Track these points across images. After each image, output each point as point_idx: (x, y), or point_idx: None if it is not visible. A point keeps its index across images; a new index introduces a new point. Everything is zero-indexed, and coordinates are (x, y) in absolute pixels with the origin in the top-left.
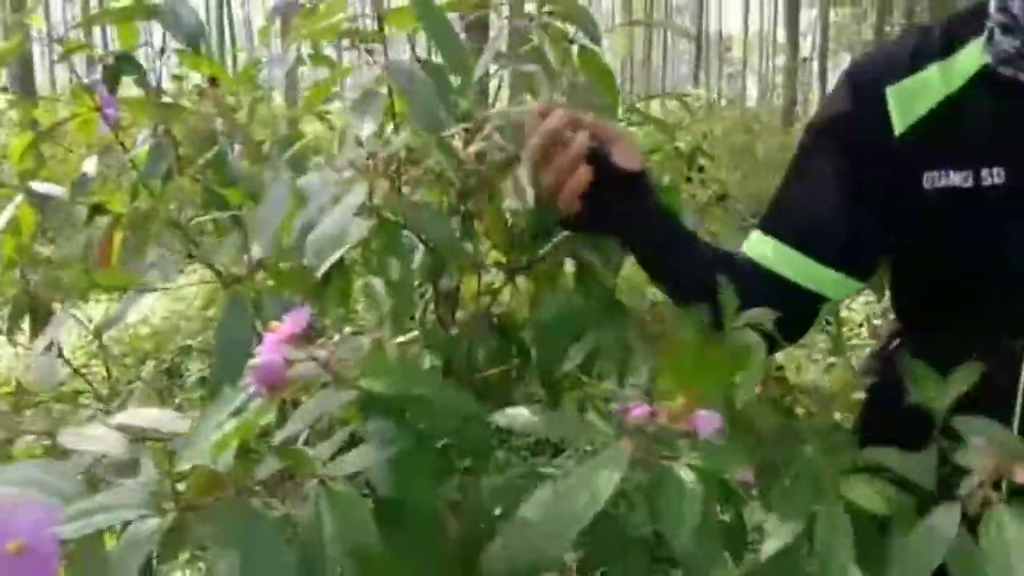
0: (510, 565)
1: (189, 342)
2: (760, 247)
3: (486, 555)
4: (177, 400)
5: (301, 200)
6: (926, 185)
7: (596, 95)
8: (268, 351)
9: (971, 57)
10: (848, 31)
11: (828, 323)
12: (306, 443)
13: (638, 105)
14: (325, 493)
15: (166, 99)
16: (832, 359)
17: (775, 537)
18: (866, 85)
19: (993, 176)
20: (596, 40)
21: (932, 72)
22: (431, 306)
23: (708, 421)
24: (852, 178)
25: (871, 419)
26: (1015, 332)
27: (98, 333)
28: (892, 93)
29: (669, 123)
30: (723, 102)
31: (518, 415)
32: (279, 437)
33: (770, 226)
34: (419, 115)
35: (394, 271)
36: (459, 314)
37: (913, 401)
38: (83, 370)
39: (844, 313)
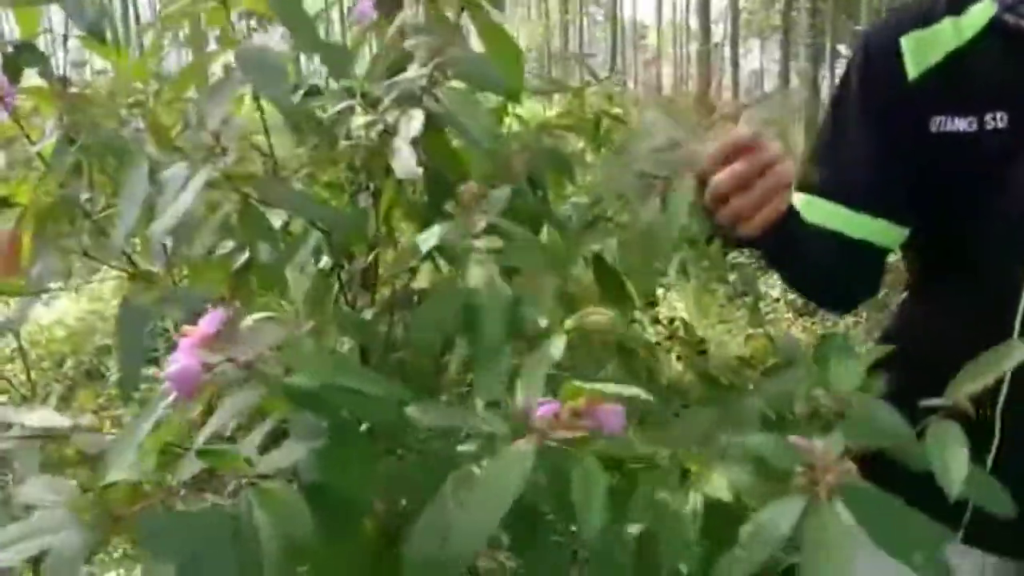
0: (428, 564)
1: (107, 341)
2: (813, 210)
3: (405, 554)
4: (100, 400)
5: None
6: (932, 129)
7: (499, 67)
8: (184, 356)
9: (982, 10)
10: (758, 17)
11: (745, 296)
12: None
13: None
14: (255, 492)
15: (71, 88)
16: (751, 331)
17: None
18: (882, 37)
19: (996, 121)
20: (499, 7)
21: (945, 24)
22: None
23: (613, 416)
24: (874, 125)
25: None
26: (1014, 275)
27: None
28: (906, 41)
29: (579, 87)
30: (639, 88)
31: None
32: (202, 436)
33: (814, 187)
34: (268, 96)
35: (263, 253)
36: (379, 294)
37: (919, 348)
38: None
39: (763, 288)
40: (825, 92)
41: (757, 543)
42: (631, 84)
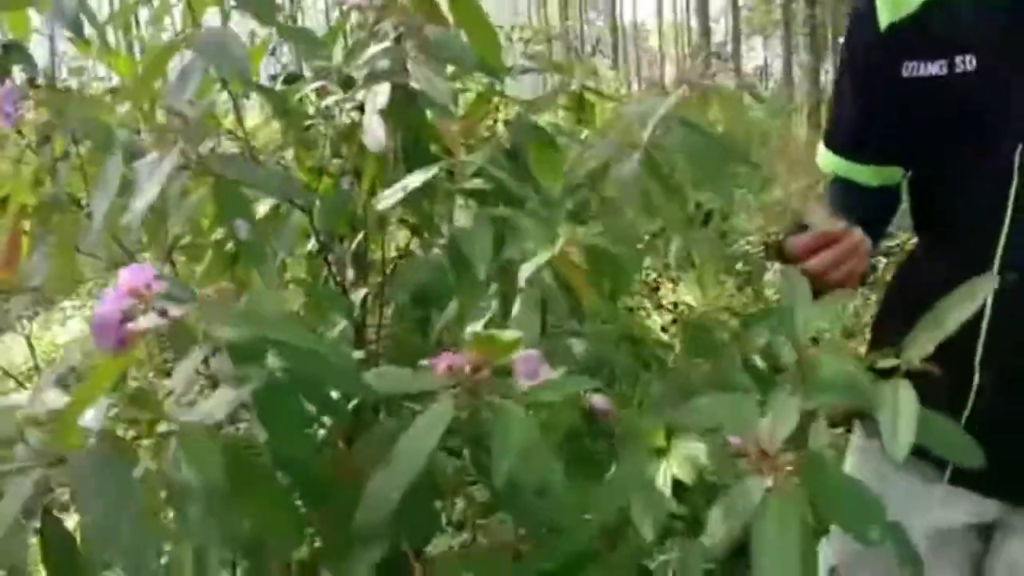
0: (374, 509)
1: None
2: (829, 162)
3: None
4: None
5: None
6: (904, 74)
7: (476, 48)
8: (105, 305)
9: None
10: (758, 13)
11: (748, 275)
12: None
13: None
14: (180, 441)
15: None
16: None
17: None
18: None
19: (966, 64)
20: None
21: None
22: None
23: (528, 363)
24: (859, 81)
25: (887, 309)
26: (994, 224)
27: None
28: None
29: (563, 65)
30: (643, 87)
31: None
32: (163, 392)
33: (826, 140)
34: (223, 74)
35: (243, 232)
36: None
37: (909, 301)
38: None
39: (768, 275)
40: (827, 83)
41: (721, 529)
42: (634, 84)
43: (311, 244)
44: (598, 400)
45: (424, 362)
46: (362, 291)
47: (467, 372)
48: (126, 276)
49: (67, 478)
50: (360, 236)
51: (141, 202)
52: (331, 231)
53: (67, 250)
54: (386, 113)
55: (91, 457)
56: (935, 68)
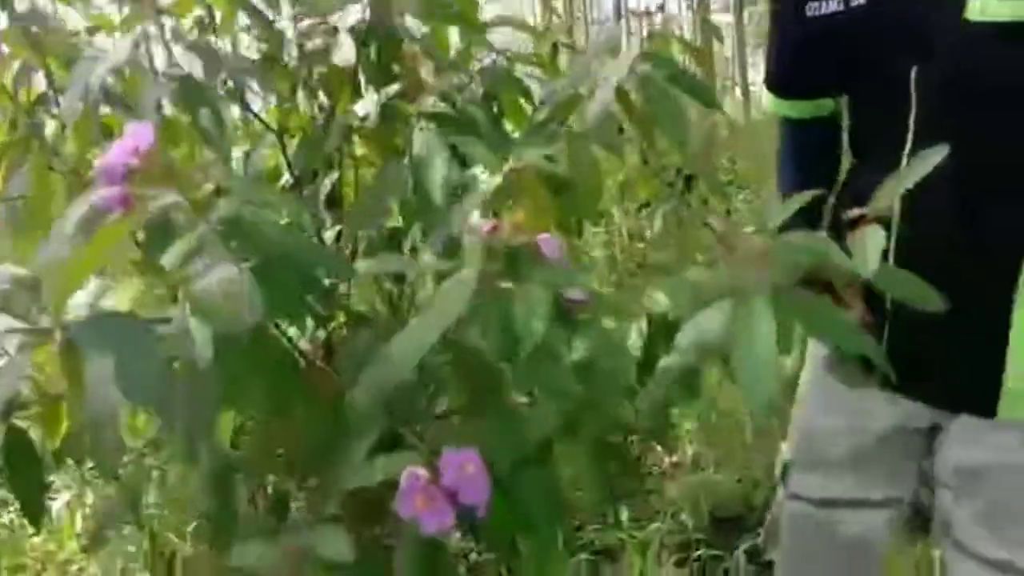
0: (372, 391)
1: None
2: (768, 101)
3: (356, 388)
4: None
5: None
6: (808, 14)
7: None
8: (111, 155)
9: None
10: (766, 22)
11: None
12: None
13: None
14: (190, 296)
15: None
16: None
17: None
18: None
19: None
20: None
21: None
22: None
23: (551, 245)
24: (774, 21)
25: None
26: (896, 139)
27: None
28: None
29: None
30: None
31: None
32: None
33: (764, 80)
34: None
35: (204, 120)
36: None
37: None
38: None
39: None
40: None
41: (690, 346)
42: None
43: (284, 179)
44: (575, 293)
45: None
46: (336, 228)
47: (505, 237)
48: (130, 131)
49: (79, 336)
50: (335, 175)
51: (102, 70)
52: (305, 166)
53: (44, 173)
54: (356, 32)
55: (102, 316)
56: (833, 5)
